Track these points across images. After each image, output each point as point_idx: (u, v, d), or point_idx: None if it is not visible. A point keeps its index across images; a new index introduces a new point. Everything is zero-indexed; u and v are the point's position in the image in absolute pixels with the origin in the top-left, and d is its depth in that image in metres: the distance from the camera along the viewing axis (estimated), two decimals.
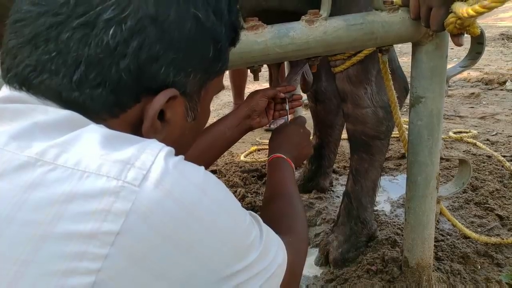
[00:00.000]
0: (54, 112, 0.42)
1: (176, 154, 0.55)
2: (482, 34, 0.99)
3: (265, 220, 0.54)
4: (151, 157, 0.40)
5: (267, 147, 2.52)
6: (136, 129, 0.46)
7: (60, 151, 0.38)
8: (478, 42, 1.05)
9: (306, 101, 2.07)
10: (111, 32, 0.41)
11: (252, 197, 1.79)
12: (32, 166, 0.37)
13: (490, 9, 0.74)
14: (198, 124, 0.55)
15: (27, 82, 0.43)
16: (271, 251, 0.50)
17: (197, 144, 0.91)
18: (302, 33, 0.87)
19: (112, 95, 0.43)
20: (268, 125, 2.91)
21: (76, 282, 0.33)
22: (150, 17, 0.42)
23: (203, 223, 0.40)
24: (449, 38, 1.00)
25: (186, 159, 0.91)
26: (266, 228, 0.52)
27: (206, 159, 0.96)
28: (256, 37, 0.86)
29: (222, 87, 0.57)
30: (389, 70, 1.12)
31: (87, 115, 0.43)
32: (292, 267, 0.56)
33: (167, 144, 0.47)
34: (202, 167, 0.44)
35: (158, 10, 0.43)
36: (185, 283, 0.38)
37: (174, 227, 0.38)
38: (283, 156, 0.91)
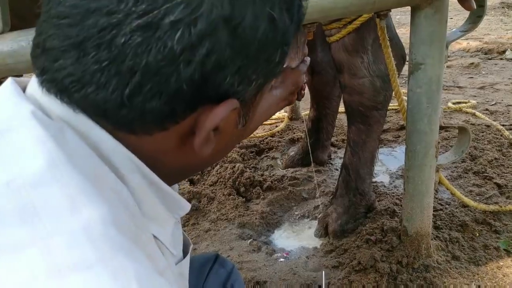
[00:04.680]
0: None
1: (216, 160, 0.52)
2: None
3: None
4: None
5: (265, 122, 2.52)
6: (184, 140, 0.41)
7: None
8: (479, 5, 1.02)
9: None
10: (177, 36, 0.34)
11: (250, 172, 1.78)
12: None
13: None
14: (246, 129, 0.49)
15: (67, 93, 0.37)
16: None
17: None
18: None
19: (166, 107, 0.37)
20: None
21: None
22: (224, 19, 0.35)
23: None
24: (449, 1, 0.97)
25: None
26: None
27: (258, 125, 0.96)
28: None
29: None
30: (387, 37, 1.09)
31: (131, 131, 0.39)
32: None
33: (213, 152, 0.44)
34: None
35: (234, 10, 0.36)
36: None
37: None
38: None
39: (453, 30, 1.11)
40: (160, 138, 0.40)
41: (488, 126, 2.08)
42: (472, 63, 3.28)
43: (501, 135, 1.97)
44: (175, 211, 0.47)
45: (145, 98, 0.36)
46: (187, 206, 0.49)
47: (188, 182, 1.79)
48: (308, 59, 1.03)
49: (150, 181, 0.41)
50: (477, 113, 2.26)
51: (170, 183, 0.46)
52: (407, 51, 1.17)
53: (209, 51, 0.36)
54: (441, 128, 1.10)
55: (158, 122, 0.38)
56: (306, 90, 1.81)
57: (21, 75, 0.75)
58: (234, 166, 1.79)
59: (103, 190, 0.35)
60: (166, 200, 0.44)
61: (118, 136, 0.39)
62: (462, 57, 3.57)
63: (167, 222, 0.46)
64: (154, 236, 0.43)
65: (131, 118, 0.37)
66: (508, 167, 1.71)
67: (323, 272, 1.27)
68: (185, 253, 0.55)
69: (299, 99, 1.05)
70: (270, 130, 2.31)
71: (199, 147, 0.41)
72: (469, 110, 2.32)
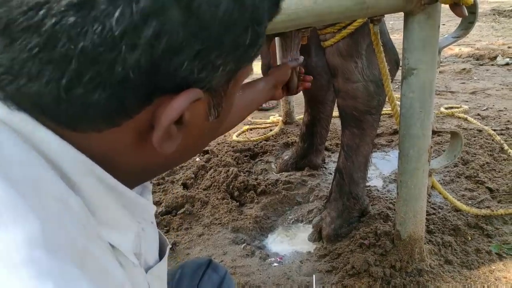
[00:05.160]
0: None
1: (187, 156, 0.46)
2: (475, 3, 0.97)
3: None
4: None
5: (259, 126, 2.52)
6: (143, 136, 0.36)
7: None
8: (471, 12, 1.03)
9: None
10: (116, 14, 0.29)
11: (244, 176, 1.78)
12: None
13: None
14: (220, 121, 0.43)
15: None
16: None
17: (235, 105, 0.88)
18: (291, 2, 0.84)
19: (114, 100, 0.32)
20: None
21: None
22: None
23: None
24: (441, 8, 0.98)
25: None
26: None
27: (239, 119, 0.93)
28: None
29: (251, 72, 0.43)
30: (380, 42, 1.10)
31: (76, 129, 0.34)
32: None
33: (180, 149, 0.38)
34: None
35: None
36: None
37: None
38: None
39: (446, 36, 1.12)
40: (112, 136, 0.35)
41: (480, 131, 2.10)
42: (464, 69, 3.32)
43: (492, 140, 1.99)
44: (139, 215, 0.43)
45: (86, 90, 0.31)
46: (151, 209, 0.45)
47: (182, 186, 1.78)
48: (301, 57, 1.00)
49: (106, 185, 0.37)
50: (469, 118, 2.28)
51: (133, 185, 0.43)
52: (400, 56, 1.17)
53: (157, 33, 0.30)
54: (434, 132, 1.11)
55: (106, 118, 0.33)
56: (300, 94, 1.82)
57: None
58: (228, 170, 1.78)
59: (42, 202, 0.30)
60: (127, 204, 0.40)
61: (64, 135, 0.34)
62: (454, 62, 3.61)
63: (129, 228, 0.41)
64: (112, 246, 0.38)
65: (73, 114, 0.33)
66: (499, 172, 1.73)
67: (314, 276, 1.27)
68: (162, 255, 0.52)
69: (292, 93, 0.99)
70: (265, 134, 2.31)
71: (159, 144, 0.36)
72: (461, 115, 2.34)
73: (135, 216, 0.42)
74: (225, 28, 0.33)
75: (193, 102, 0.35)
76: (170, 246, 0.53)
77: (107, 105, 0.32)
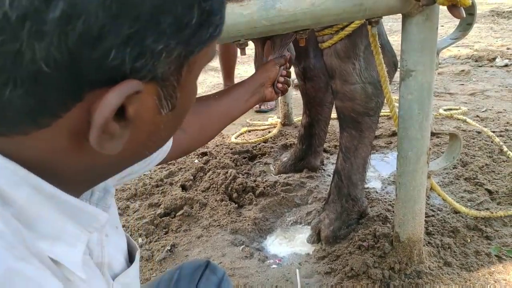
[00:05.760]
0: None
1: (144, 153, 0.41)
2: (473, 4, 0.97)
3: None
4: None
5: (258, 128, 2.53)
6: (82, 135, 0.32)
7: None
8: (469, 13, 1.03)
9: (296, 81, 2.05)
10: None
11: (243, 178, 1.78)
12: None
13: None
14: (179, 113, 0.38)
15: None
16: None
17: (215, 110, 0.83)
18: (289, 5, 0.84)
19: (30, 98, 0.28)
20: (258, 105, 2.89)
21: None
22: None
23: None
24: (440, 9, 0.98)
25: (200, 122, 0.76)
26: None
27: (221, 125, 0.87)
28: (242, 10, 0.83)
29: (213, 55, 0.38)
30: (378, 44, 1.10)
31: None
32: None
33: (131, 146, 0.35)
34: None
35: None
36: None
37: None
38: None
39: (444, 37, 1.12)
40: (44, 137, 0.31)
41: (479, 132, 2.10)
42: (463, 70, 3.32)
43: (491, 142, 1.99)
44: (88, 225, 0.38)
45: None
46: (101, 217, 0.40)
47: (180, 188, 1.78)
48: (288, 53, 0.98)
49: (44, 194, 0.33)
50: (468, 120, 2.28)
51: (82, 188, 0.39)
52: (399, 58, 1.17)
53: (67, 17, 0.26)
54: (433, 134, 1.10)
55: (27, 118, 0.29)
56: (299, 96, 1.82)
57: None
58: (227, 172, 1.78)
59: None
60: (72, 213, 0.36)
61: None
62: (453, 64, 3.61)
63: (77, 238, 0.37)
64: (54, 261, 0.34)
65: None
66: (498, 173, 1.73)
67: (297, 271, 1.26)
68: (132, 260, 0.51)
69: (280, 92, 0.93)
70: (263, 136, 2.31)
71: (98, 144, 0.32)
72: (460, 116, 2.34)
73: (84, 226, 0.38)
74: (160, 7, 0.28)
75: (131, 95, 0.30)
76: (139, 250, 0.52)
77: (24, 104, 0.28)
